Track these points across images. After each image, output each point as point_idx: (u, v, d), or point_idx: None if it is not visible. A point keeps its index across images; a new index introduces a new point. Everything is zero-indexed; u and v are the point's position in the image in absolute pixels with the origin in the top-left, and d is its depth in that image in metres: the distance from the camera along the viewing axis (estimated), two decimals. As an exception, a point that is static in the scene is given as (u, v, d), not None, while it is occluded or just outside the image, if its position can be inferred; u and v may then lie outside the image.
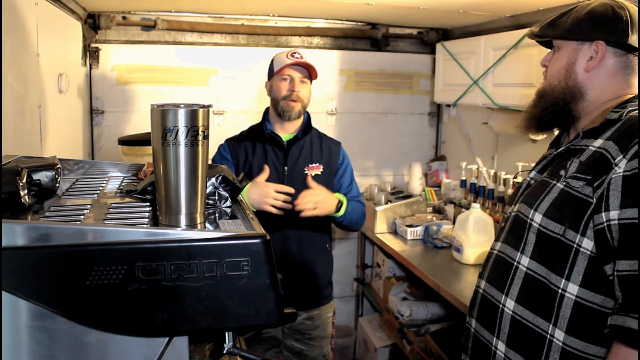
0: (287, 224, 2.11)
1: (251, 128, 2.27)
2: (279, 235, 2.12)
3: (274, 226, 2.10)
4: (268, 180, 2.11)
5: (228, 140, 2.25)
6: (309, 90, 2.17)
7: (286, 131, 2.20)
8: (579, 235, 1.14)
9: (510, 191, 2.54)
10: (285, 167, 2.14)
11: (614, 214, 1.08)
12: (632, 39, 1.22)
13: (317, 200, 2.02)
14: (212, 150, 2.24)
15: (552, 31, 1.31)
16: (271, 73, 2.18)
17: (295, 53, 2.14)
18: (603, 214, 1.10)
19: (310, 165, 2.17)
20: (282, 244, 2.12)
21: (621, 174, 1.09)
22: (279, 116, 2.16)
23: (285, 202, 2.01)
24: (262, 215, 2.08)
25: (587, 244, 1.13)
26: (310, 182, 2.06)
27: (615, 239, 1.07)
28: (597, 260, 1.12)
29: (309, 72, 2.15)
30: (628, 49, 1.24)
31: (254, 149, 2.17)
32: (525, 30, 2.34)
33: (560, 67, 1.30)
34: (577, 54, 1.27)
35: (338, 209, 2.10)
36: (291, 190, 2.01)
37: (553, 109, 1.31)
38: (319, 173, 2.18)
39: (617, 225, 1.07)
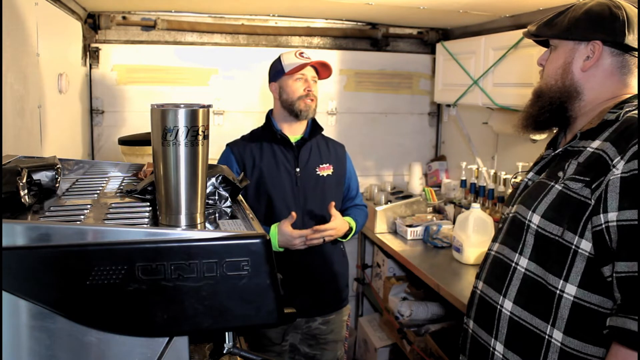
0: (305, 225, 2.08)
1: (254, 132, 2.22)
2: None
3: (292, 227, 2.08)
4: (282, 182, 2.11)
5: (231, 145, 2.17)
6: (317, 89, 2.16)
7: (294, 132, 2.16)
8: (577, 237, 1.14)
9: (510, 191, 2.54)
10: (297, 169, 2.11)
11: (612, 215, 1.08)
12: (629, 39, 1.21)
13: (330, 234, 2.03)
14: (212, 151, 2.23)
15: (549, 30, 1.31)
16: (279, 74, 2.11)
17: (303, 53, 2.11)
18: (601, 215, 1.09)
19: (321, 166, 2.16)
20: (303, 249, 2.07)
21: (619, 175, 1.09)
22: (294, 117, 2.11)
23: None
24: (280, 217, 2.07)
25: (586, 246, 1.13)
26: (332, 210, 2.05)
27: (614, 240, 1.07)
28: (596, 261, 1.12)
29: (317, 73, 2.14)
30: (625, 49, 1.23)
31: (261, 152, 2.12)
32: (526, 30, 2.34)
33: (557, 67, 1.30)
34: (574, 54, 1.27)
35: (346, 235, 2.12)
36: (309, 232, 2.01)
37: (550, 109, 1.31)
38: (330, 173, 2.17)
39: (616, 226, 1.07)
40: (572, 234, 1.14)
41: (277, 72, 2.14)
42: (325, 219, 2.08)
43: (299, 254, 2.07)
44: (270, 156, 2.12)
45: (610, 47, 1.24)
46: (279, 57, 2.15)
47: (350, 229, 2.12)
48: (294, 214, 2.02)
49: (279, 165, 2.11)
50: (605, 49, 1.24)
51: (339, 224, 2.05)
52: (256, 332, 2.16)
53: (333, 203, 2.06)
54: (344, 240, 2.15)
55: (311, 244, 2.02)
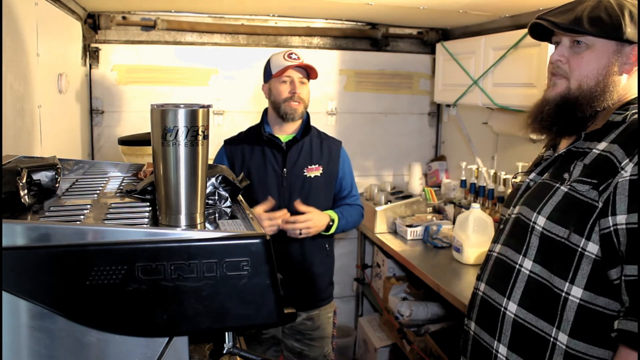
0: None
1: (249, 129, 2.26)
2: (280, 235, 2.12)
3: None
4: (268, 182, 2.12)
5: (225, 143, 2.23)
6: (308, 90, 2.17)
7: (285, 132, 2.18)
8: (583, 239, 1.12)
9: (510, 191, 2.53)
10: (284, 169, 2.13)
11: (621, 218, 1.07)
12: None
13: (303, 226, 2.04)
14: (212, 150, 2.24)
15: (592, 27, 1.18)
16: (268, 76, 2.15)
17: (292, 54, 2.12)
18: (609, 218, 1.08)
19: (309, 167, 2.16)
20: (282, 244, 2.11)
21: (628, 177, 1.07)
22: (281, 118, 2.14)
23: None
24: None
25: (592, 248, 1.12)
26: (300, 207, 2.06)
27: (622, 243, 1.06)
28: (602, 264, 1.11)
29: (307, 72, 2.15)
30: None
31: (251, 151, 2.16)
32: (525, 31, 2.33)
33: (598, 68, 1.20)
34: (617, 55, 1.19)
35: (328, 228, 2.12)
36: (284, 214, 2.04)
37: (576, 116, 1.21)
38: (319, 175, 2.17)
39: (625, 229, 1.06)
40: (579, 236, 1.13)
41: (267, 73, 2.18)
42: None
43: (279, 251, 2.08)
44: (259, 156, 2.15)
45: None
46: (269, 58, 2.18)
47: (332, 221, 2.12)
48: (270, 198, 2.05)
49: (266, 165, 2.13)
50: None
51: (314, 217, 2.06)
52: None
53: (298, 201, 2.07)
54: (326, 234, 2.14)
55: (286, 228, 2.03)
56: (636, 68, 1.20)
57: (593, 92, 1.20)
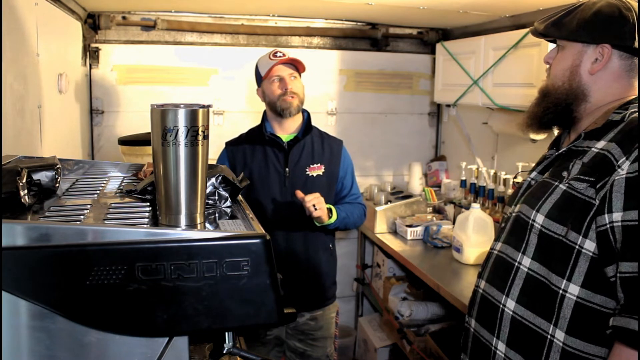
0: (291, 224, 2.11)
1: (250, 130, 2.26)
2: (284, 235, 2.12)
3: (279, 226, 2.10)
4: (270, 182, 2.12)
5: (227, 146, 2.23)
6: (301, 84, 2.16)
7: (286, 131, 2.19)
8: (581, 237, 1.14)
9: (510, 191, 2.54)
10: (287, 169, 2.13)
11: (617, 215, 1.08)
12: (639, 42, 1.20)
13: (319, 201, 2.00)
14: (212, 151, 2.24)
15: (557, 31, 1.29)
16: (259, 79, 2.17)
17: (277, 52, 2.13)
18: (606, 215, 1.09)
19: (311, 166, 2.16)
20: (286, 244, 2.11)
21: (624, 175, 1.09)
22: (279, 116, 2.14)
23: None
24: (266, 216, 2.10)
25: (589, 245, 1.13)
26: (300, 194, 2.01)
27: (618, 240, 1.07)
28: (599, 261, 1.12)
29: (296, 67, 2.15)
30: (633, 53, 1.22)
31: (253, 152, 2.16)
32: (525, 30, 2.34)
33: (565, 68, 1.29)
34: (582, 56, 1.26)
35: (330, 216, 2.09)
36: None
37: (555, 110, 1.30)
38: (321, 173, 2.17)
39: (620, 227, 1.07)
40: (576, 233, 1.14)
41: (258, 77, 2.19)
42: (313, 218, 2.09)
43: (284, 250, 2.09)
44: (261, 156, 2.15)
45: (619, 51, 1.22)
46: (257, 62, 2.19)
47: (330, 210, 2.06)
48: None
49: (268, 165, 2.13)
50: (614, 52, 1.23)
51: (317, 194, 2.00)
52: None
53: (297, 191, 2.01)
54: (321, 224, 2.06)
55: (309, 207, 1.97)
56: (603, 68, 1.24)
57: (561, 90, 1.30)
